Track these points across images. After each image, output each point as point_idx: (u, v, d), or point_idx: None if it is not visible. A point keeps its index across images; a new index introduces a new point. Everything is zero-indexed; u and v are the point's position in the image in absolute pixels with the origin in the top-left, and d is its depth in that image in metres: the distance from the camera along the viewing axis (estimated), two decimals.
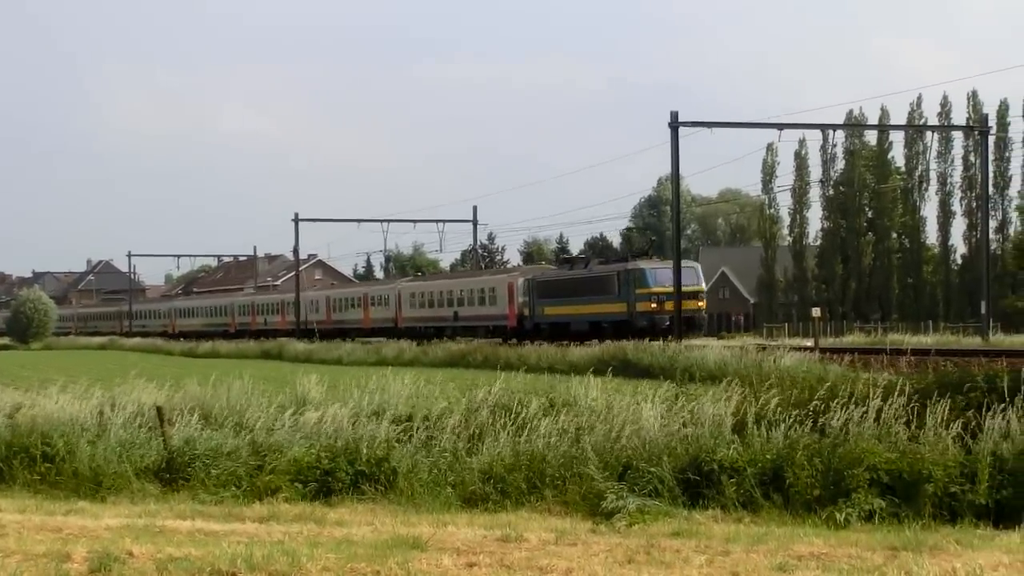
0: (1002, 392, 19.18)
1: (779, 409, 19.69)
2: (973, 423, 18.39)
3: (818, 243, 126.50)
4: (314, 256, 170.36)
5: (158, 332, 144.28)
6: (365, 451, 20.20)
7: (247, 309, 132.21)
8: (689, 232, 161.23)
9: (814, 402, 19.76)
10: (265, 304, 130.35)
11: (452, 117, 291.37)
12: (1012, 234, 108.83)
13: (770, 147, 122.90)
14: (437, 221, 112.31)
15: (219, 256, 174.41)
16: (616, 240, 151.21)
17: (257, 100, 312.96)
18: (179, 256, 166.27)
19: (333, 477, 19.78)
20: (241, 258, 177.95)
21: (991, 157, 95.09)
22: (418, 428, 21.60)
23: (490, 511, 18.13)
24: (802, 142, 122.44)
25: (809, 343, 54.79)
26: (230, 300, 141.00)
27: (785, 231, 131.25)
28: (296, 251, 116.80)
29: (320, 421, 22.36)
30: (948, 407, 18.79)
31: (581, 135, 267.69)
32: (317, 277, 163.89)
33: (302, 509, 18.44)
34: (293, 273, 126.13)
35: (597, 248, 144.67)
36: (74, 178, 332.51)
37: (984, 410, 18.56)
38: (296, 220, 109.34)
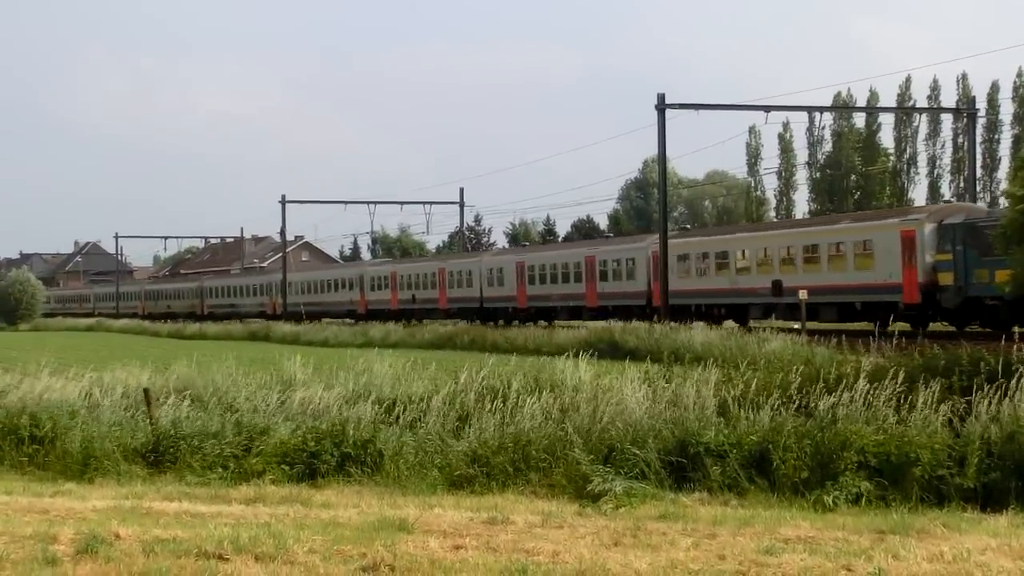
0: (989, 375, 19.22)
1: (764, 391, 19.72)
2: (962, 406, 18.41)
3: None
4: (301, 238, 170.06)
5: (267, 313, 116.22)
6: (351, 433, 20.14)
7: (382, 282, 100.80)
8: (676, 214, 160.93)
9: (799, 384, 19.77)
10: (411, 276, 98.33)
11: (437, 102, 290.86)
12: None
13: (752, 129, 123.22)
14: (424, 203, 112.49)
15: (206, 238, 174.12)
16: (603, 222, 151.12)
17: (240, 85, 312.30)
18: (166, 238, 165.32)
19: (319, 459, 19.75)
20: (228, 240, 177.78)
21: (980, 139, 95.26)
22: (404, 410, 21.60)
23: (476, 493, 18.11)
24: (786, 125, 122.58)
25: (796, 325, 54.40)
26: (357, 271, 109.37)
27: (772, 213, 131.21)
28: (283, 233, 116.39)
29: (306, 402, 22.37)
30: (938, 390, 18.81)
31: (566, 119, 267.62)
32: (304, 259, 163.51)
33: (289, 491, 18.43)
34: (280, 255, 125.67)
35: (584, 230, 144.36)
36: (62, 160, 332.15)
37: (973, 393, 18.57)
38: (283, 202, 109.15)
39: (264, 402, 22.84)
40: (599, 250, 74.74)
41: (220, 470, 20.15)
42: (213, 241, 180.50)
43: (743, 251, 65.12)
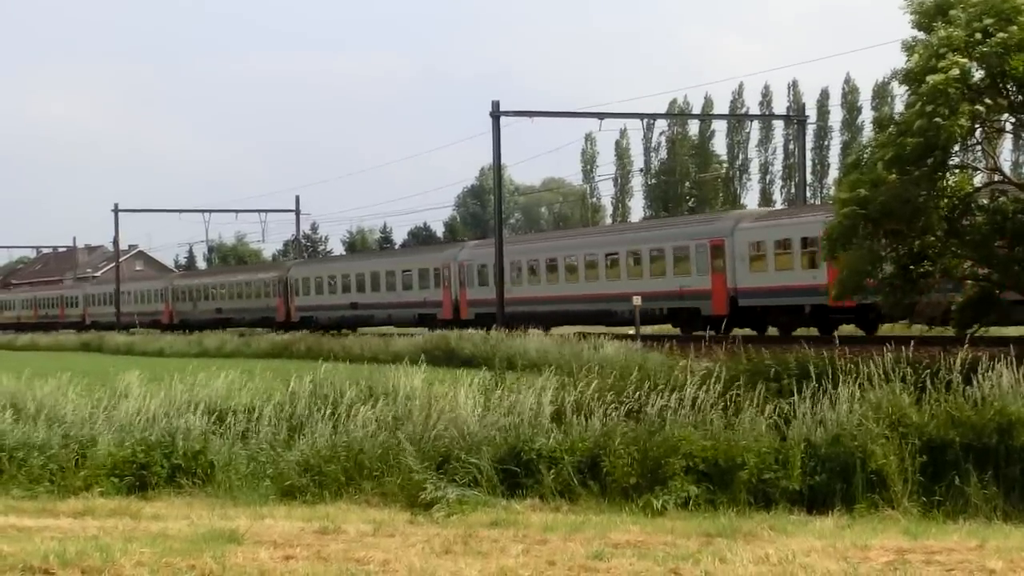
0: (813, 378, 19.56)
1: (597, 397, 19.83)
2: (787, 409, 18.70)
3: None
4: (135, 247, 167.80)
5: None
6: (181, 444, 20.00)
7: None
8: (513, 221, 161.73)
9: (631, 389, 19.94)
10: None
11: (272, 108, 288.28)
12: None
13: (588, 136, 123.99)
14: (259, 211, 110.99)
15: (37, 247, 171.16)
16: (440, 229, 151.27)
17: (71, 89, 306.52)
18: None
19: (149, 471, 19.58)
20: (60, 249, 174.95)
21: (810, 145, 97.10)
22: (236, 420, 21.43)
23: (308, 503, 18.07)
24: (623, 131, 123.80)
25: (631, 331, 54.84)
26: None
27: (608, 219, 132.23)
28: (116, 242, 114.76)
29: (135, 413, 22.04)
30: (763, 394, 19.08)
31: (402, 126, 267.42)
32: (138, 268, 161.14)
33: (118, 503, 18.23)
34: (113, 264, 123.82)
35: (421, 237, 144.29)
36: None
37: (797, 396, 18.88)
38: (116, 210, 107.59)
39: (92, 413, 22.45)
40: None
41: (48, 483, 19.85)
42: (45, 250, 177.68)
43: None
